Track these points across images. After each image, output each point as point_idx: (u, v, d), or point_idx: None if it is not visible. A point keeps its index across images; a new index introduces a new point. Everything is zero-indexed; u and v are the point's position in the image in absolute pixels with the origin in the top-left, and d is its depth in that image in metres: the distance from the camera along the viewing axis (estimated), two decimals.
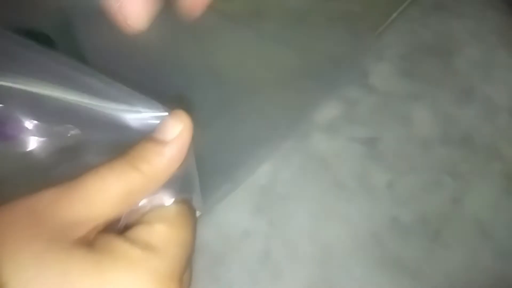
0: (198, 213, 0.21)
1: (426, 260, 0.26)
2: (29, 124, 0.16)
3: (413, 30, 0.41)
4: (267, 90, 0.31)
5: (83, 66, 0.16)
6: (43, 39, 0.21)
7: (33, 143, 0.16)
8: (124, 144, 0.15)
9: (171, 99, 0.16)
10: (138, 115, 0.16)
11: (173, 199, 0.17)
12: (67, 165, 0.16)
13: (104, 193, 0.15)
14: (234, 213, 0.27)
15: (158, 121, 0.16)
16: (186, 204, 0.18)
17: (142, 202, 0.16)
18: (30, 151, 0.16)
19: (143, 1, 0.19)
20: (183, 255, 0.15)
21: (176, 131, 0.15)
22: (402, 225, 0.26)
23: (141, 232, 0.15)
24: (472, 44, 0.39)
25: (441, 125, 0.32)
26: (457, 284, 0.26)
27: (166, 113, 0.16)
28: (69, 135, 0.16)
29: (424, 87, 0.35)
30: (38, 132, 0.16)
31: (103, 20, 0.18)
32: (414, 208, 0.27)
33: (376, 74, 0.36)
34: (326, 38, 0.39)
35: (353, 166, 0.29)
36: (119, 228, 0.16)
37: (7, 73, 0.15)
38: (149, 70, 0.21)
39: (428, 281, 0.25)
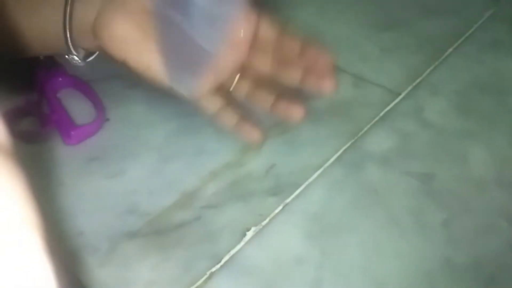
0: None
1: None
2: None
3: (469, 67, 0.41)
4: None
5: None
6: None
7: None
8: None
9: None
10: None
11: None
12: None
13: None
14: (286, 238, 0.27)
15: None
16: None
17: None
18: None
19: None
20: None
21: None
22: (456, 267, 0.26)
23: None
24: None
25: (497, 167, 0.32)
26: None
27: None
28: None
29: (479, 125, 0.35)
30: None
31: None
32: (469, 251, 0.27)
33: (431, 108, 0.36)
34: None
35: (407, 202, 0.29)
36: None
37: None
38: None
39: None
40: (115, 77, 0.38)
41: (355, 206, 0.29)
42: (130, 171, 0.31)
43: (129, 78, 0.38)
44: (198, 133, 0.33)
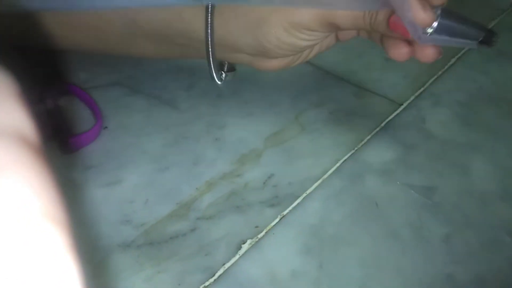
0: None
1: None
2: None
3: (473, 77, 0.40)
4: None
5: None
6: None
7: None
8: None
9: None
10: None
11: None
12: None
13: None
14: (283, 251, 0.26)
15: None
16: None
17: None
18: None
19: None
20: None
21: None
22: (458, 284, 0.25)
23: None
24: None
25: (501, 180, 0.31)
26: None
27: None
28: None
29: (483, 138, 0.34)
30: None
31: None
32: (471, 267, 0.26)
33: (434, 119, 0.36)
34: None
35: (408, 215, 0.28)
36: None
37: None
38: None
39: None
40: (114, 85, 0.38)
41: (354, 219, 0.28)
42: (126, 180, 0.30)
43: (127, 86, 0.38)
44: (196, 142, 0.33)
